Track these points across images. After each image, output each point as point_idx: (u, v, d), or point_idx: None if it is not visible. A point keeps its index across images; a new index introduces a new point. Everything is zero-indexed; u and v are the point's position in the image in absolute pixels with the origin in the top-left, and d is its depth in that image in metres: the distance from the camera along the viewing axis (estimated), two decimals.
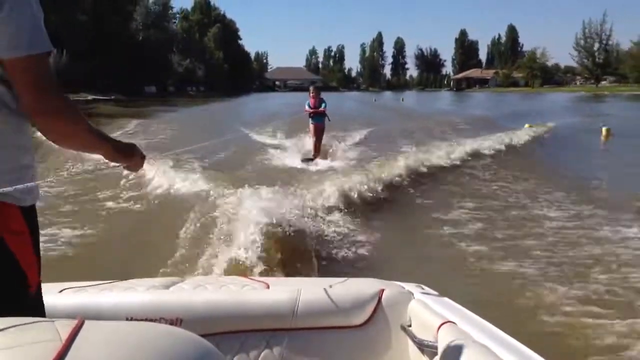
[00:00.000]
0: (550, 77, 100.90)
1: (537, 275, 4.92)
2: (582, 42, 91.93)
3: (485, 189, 8.79)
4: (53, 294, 1.76)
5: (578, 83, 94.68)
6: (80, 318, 0.69)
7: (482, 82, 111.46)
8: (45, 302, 1.42)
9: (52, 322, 0.68)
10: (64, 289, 1.86)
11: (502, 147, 12.19)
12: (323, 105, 11.11)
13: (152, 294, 1.83)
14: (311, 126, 11.37)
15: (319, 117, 11.20)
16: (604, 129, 16.34)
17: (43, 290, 1.38)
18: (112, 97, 46.79)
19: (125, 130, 17.27)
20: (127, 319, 1.66)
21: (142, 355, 0.63)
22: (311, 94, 11.27)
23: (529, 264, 5.21)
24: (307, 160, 11.06)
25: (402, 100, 53.85)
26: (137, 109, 32.09)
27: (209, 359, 0.72)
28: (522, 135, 14.46)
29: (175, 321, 1.71)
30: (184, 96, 59.82)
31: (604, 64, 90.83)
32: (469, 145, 11.63)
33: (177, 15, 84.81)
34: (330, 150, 11.96)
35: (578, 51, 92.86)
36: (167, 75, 68.88)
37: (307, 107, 11.25)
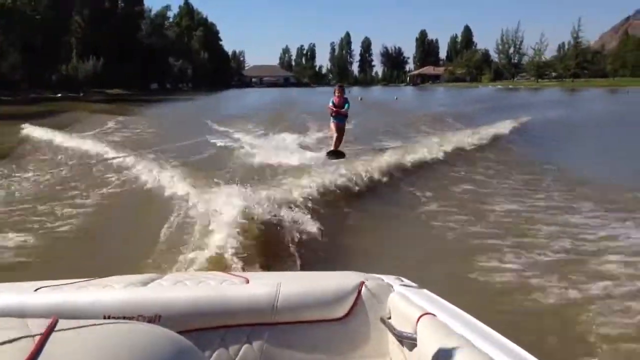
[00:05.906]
0: (500, 74, 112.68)
1: (517, 267, 4.95)
2: (500, 46, 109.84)
3: (459, 181, 9.05)
4: (28, 293, 1.71)
5: (518, 78, 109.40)
6: (54, 317, 0.66)
7: (435, 78, 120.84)
8: (20, 301, 1.47)
9: (25, 321, 0.65)
10: (39, 288, 1.77)
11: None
12: (346, 106, 11.06)
13: (130, 291, 1.78)
14: (332, 125, 11.25)
15: (340, 117, 11.15)
16: (360, 97, 31.14)
17: (19, 290, 1.39)
18: (131, 92, 60.04)
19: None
20: (104, 317, 1.60)
21: (117, 354, 0.62)
22: (336, 94, 11.12)
23: (509, 256, 5.23)
24: (333, 154, 10.85)
25: (349, 92, 77.25)
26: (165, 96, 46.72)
27: (186, 356, 0.70)
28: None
29: (154, 318, 1.66)
30: (179, 91, 73.16)
31: (517, 64, 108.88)
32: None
33: (173, 24, 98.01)
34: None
35: (497, 53, 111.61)
36: (166, 75, 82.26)
37: (330, 104, 11.10)
